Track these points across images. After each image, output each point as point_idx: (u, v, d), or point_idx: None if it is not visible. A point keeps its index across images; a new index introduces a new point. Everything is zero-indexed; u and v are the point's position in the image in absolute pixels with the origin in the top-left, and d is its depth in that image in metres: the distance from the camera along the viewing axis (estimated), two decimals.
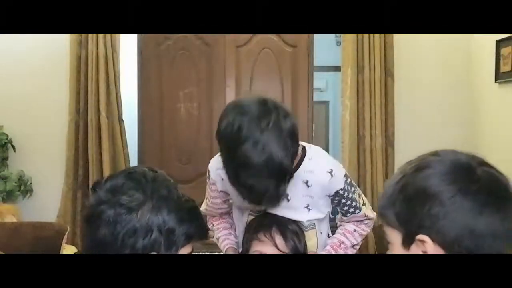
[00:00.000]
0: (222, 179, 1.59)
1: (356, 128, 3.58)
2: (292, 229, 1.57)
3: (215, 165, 1.63)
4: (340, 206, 1.65)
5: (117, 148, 3.59)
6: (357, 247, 1.73)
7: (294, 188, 1.55)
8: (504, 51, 3.22)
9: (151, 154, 3.82)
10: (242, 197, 1.43)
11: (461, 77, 3.69)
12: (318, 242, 1.68)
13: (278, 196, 1.39)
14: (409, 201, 0.89)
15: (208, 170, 1.67)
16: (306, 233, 1.63)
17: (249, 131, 1.30)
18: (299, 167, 1.55)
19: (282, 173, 1.34)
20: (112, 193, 1.02)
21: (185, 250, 1.07)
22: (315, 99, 3.91)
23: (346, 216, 1.68)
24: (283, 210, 1.60)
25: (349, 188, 1.62)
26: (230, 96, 3.74)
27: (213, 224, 1.79)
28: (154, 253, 1.02)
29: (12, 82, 3.61)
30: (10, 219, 3.10)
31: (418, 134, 3.70)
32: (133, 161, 3.77)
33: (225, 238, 1.73)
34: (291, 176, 1.40)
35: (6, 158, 3.54)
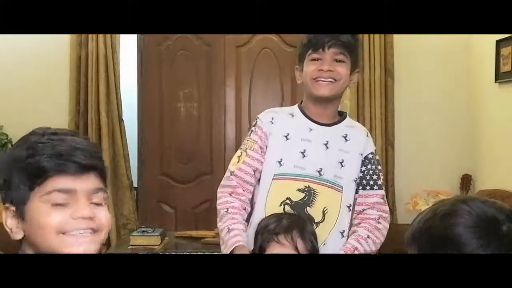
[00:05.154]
0: (272, 118, 1.73)
1: None
2: (310, 230, 1.55)
3: (269, 111, 1.79)
4: (365, 174, 1.69)
5: (117, 148, 3.59)
6: None
7: (333, 140, 1.68)
8: (504, 51, 3.22)
9: (151, 154, 3.82)
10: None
11: (461, 77, 3.69)
12: (340, 214, 1.64)
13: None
14: (433, 242, 0.93)
15: (257, 118, 1.77)
16: (328, 190, 1.63)
17: None
18: (341, 122, 1.73)
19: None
20: None
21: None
22: None
23: (366, 190, 1.68)
24: (319, 157, 1.66)
25: (376, 161, 1.72)
26: (230, 96, 3.74)
27: (227, 210, 1.64)
28: None
29: (12, 82, 3.62)
30: None
31: (418, 134, 3.70)
32: (133, 161, 3.77)
33: (238, 234, 1.60)
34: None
35: None
